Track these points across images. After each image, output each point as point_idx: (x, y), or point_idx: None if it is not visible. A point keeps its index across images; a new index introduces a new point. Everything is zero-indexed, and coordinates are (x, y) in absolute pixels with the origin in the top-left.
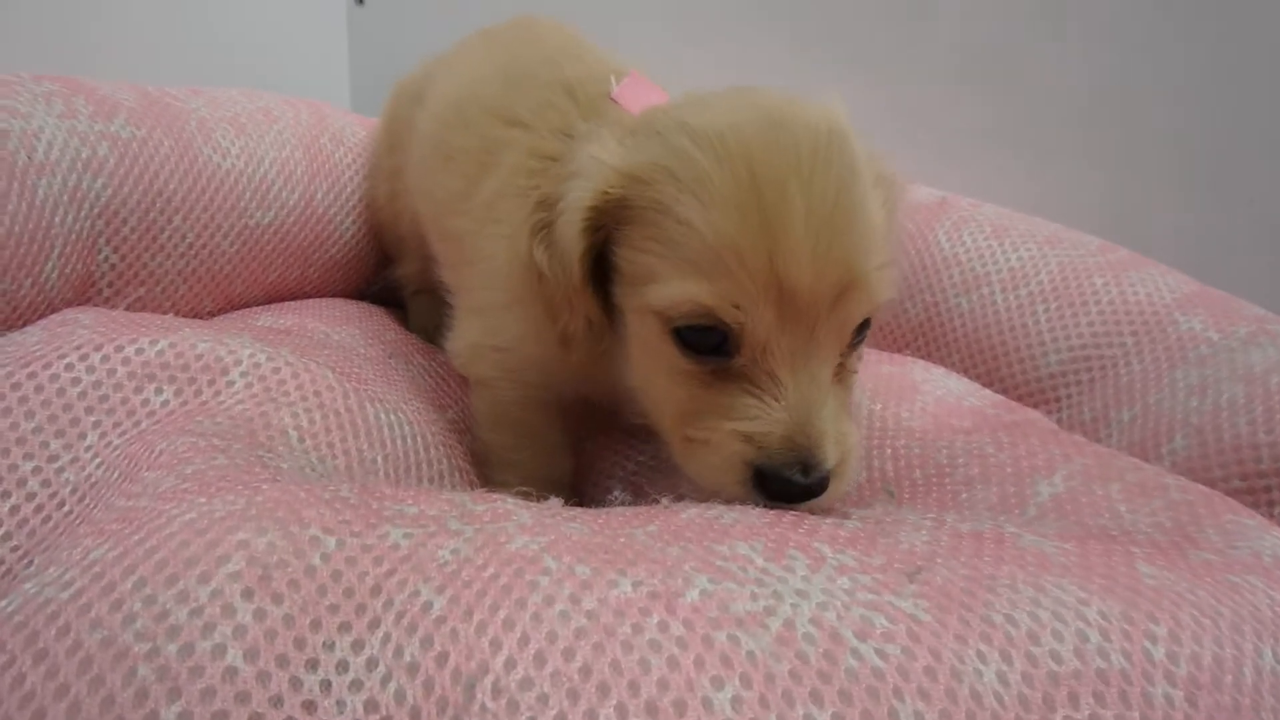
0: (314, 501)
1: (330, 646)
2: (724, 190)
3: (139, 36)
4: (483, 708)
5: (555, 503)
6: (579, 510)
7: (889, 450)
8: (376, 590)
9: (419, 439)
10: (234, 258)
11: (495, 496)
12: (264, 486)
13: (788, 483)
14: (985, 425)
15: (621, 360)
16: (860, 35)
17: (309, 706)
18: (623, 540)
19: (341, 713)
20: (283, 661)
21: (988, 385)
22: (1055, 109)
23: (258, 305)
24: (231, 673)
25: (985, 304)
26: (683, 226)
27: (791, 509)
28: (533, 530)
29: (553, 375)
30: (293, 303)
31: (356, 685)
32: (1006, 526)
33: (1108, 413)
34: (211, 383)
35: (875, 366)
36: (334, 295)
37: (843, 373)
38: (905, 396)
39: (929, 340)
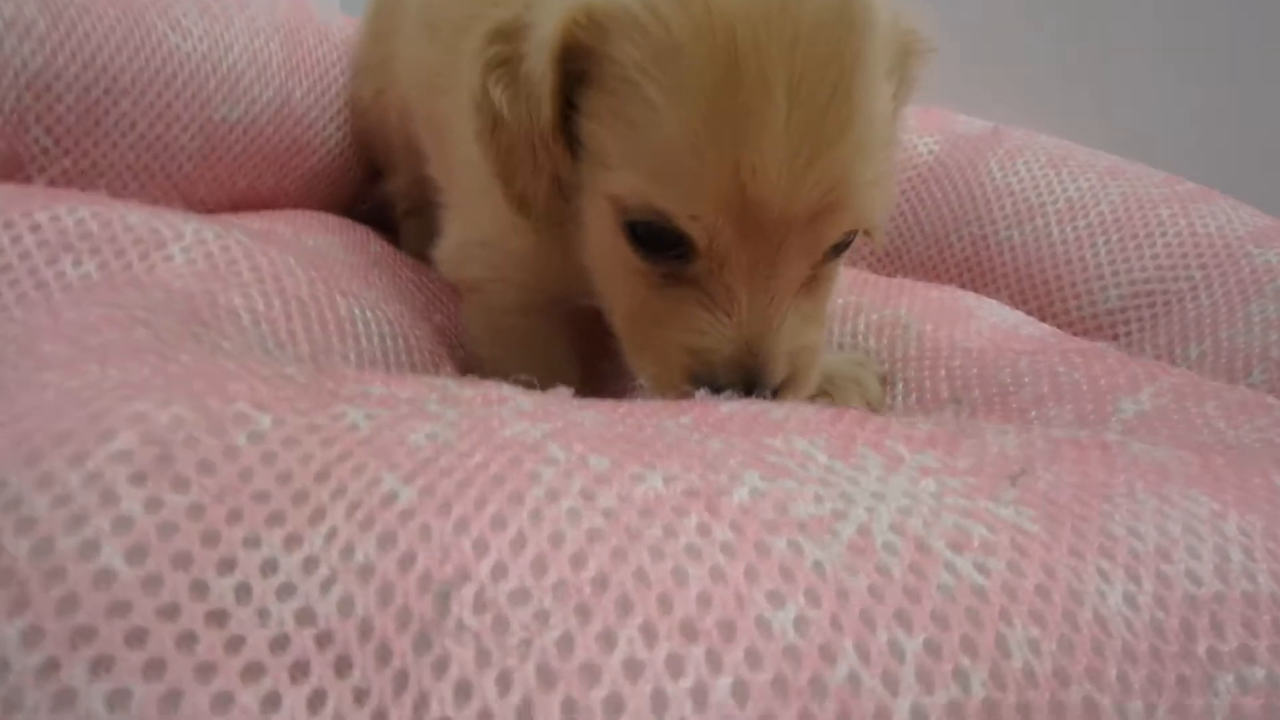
0: (245, 375)
1: (253, 543)
2: (696, 71)
3: None
4: (459, 625)
5: (564, 391)
6: (594, 400)
7: (943, 371)
8: (323, 476)
9: (400, 340)
10: (195, 155)
11: (489, 382)
12: (183, 357)
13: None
14: (1050, 349)
15: (582, 247)
16: None
17: (217, 619)
18: (650, 431)
19: (264, 625)
20: (182, 562)
21: (1041, 321)
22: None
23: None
24: (105, 577)
25: (1040, 236)
26: (645, 107)
27: None
28: (534, 416)
29: (544, 274)
30: (265, 211)
31: (287, 591)
32: (1105, 434)
33: (1173, 349)
34: (144, 256)
35: (922, 291)
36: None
37: (814, 282)
38: (959, 320)
39: (976, 275)
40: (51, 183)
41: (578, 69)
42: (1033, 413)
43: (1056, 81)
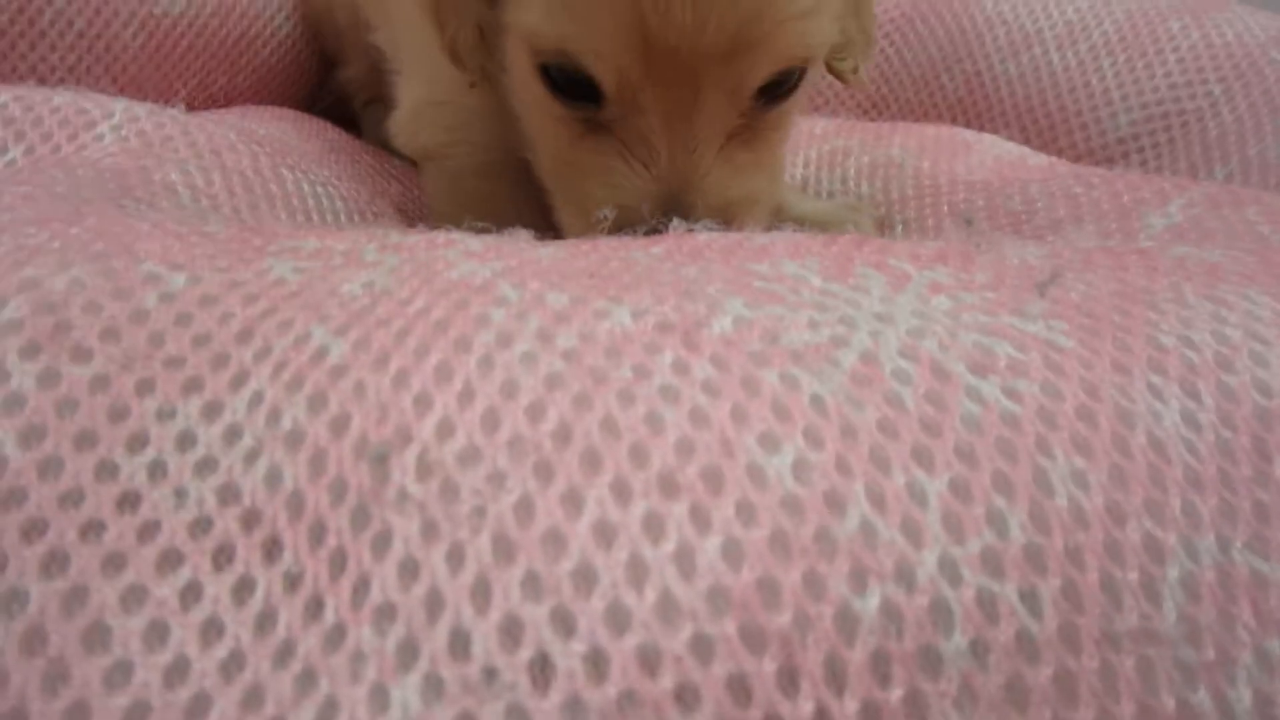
0: (159, 234)
1: (167, 415)
2: None
3: None
4: (402, 494)
5: (522, 233)
6: (557, 242)
7: (945, 207)
8: (245, 336)
9: (354, 216)
10: (139, 54)
11: (437, 230)
12: (89, 220)
13: None
14: (1062, 173)
15: (511, 96)
16: None
17: (127, 502)
18: (616, 264)
19: (181, 506)
20: (85, 441)
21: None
22: None
23: None
24: None
25: (1039, 65)
26: None
27: None
28: (484, 256)
29: (499, 131)
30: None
31: (206, 467)
32: (1140, 241)
33: (1195, 173)
34: (73, 137)
35: (916, 129)
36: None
37: (753, 132)
38: (958, 154)
39: (972, 114)
40: None
41: None
42: (1050, 237)
43: None
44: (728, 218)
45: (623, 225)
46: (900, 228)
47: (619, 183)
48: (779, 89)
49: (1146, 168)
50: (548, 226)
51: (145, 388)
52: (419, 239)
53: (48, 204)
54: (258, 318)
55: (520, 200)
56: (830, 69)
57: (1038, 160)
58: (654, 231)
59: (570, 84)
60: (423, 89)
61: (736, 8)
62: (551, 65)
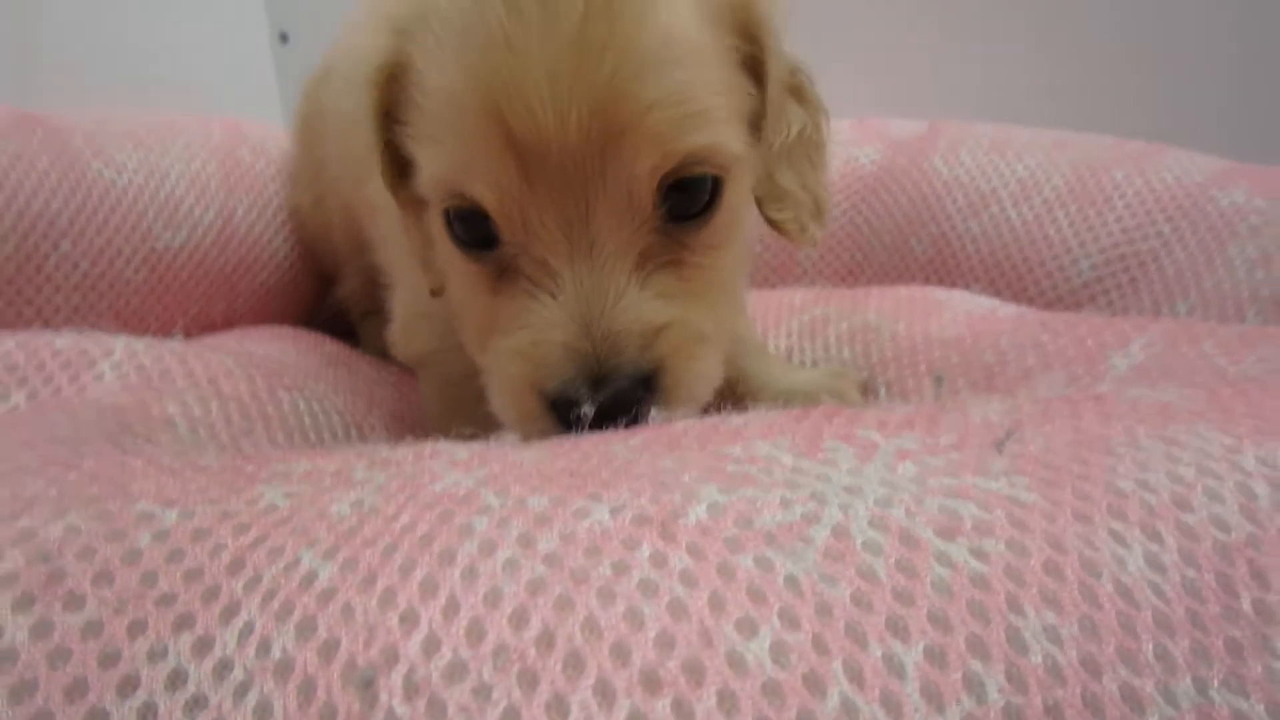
0: (153, 472)
1: (158, 655)
2: (451, 22)
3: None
4: (389, 716)
5: (509, 437)
6: (540, 443)
7: (923, 366)
8: (236, 566)
9: (351, 430)
10: (141, 288)
11: (426, 442)
12: (86, 463)
13: (577, 405)
14: (1030, 322)
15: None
16: None
17: None
18: (595, 459)
19: None
20: (76, 691)
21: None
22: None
23: None
24: None
25: (998, 222)
26: (421, 85)
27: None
28: (469, 465)
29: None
30: (216, 334)
31: (197, 705)
32: (1097, 387)
33: (1159, 309)
34: (74, 378)
35: (890, 293)
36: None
37: (681, 260)
38: (931, 313)
39: (943, 273)
40: None
41: (394, 102)
42: (1023, 388)
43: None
44: (665, 346)
45: (543, 372)
46: (883, 390)
47: (528, 321)
48: (690, 205)
49: (1114, 308)
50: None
51: (137, 629)
52: (408, 452)
53: (46, 449)
54: (248, 547)
55: None
56: (769, 218)
57: (1008, 311)
58: (604, 414)
59: (471, 231)
60: (411, 301)
61: (594, 97)
62: (453, 211)
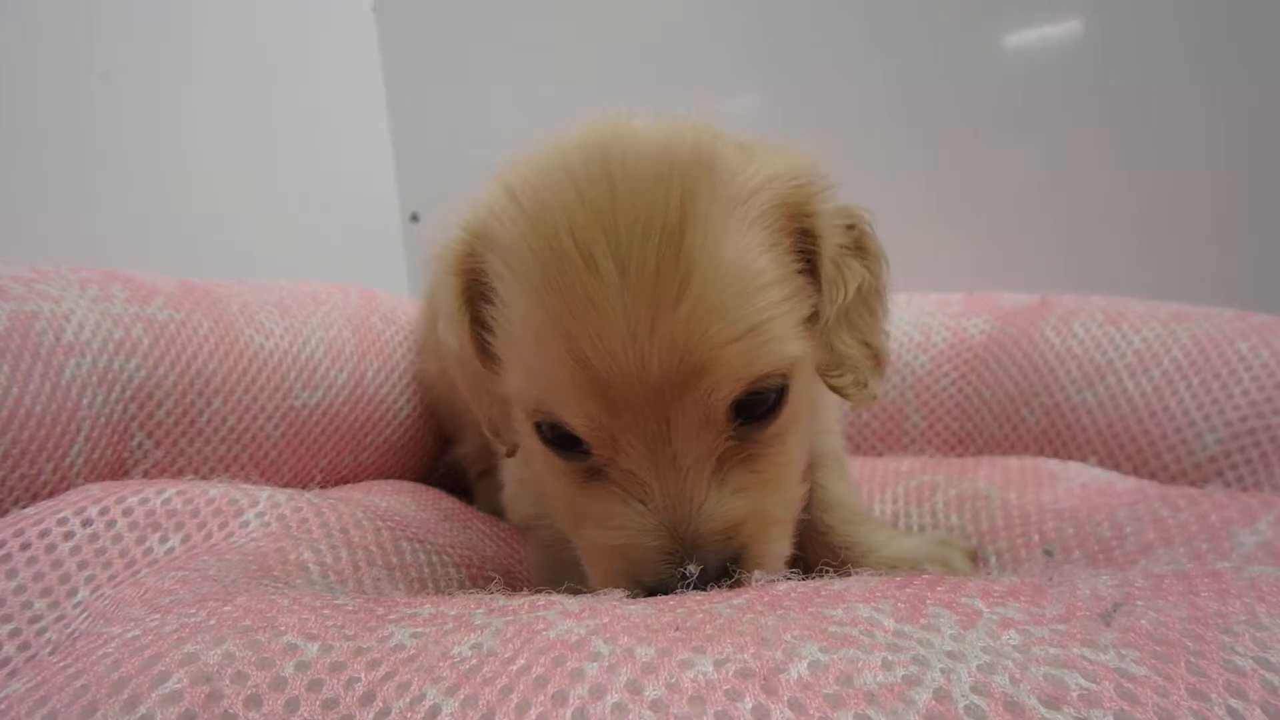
0: (297, 609)
1: None
2: (536, 262)
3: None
4: None
5: (616, 593)
6: (646, 599)
7: (1035, 536)
8: (368, 699)
9: (465, 581)
10: (279, 441)
11: (538, 592)
12: (240, 599)
13: (676, 584)
14: (1150, 496)
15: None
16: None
17: None
18: (700, 616)
19: None
20: None
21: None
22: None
23: None
24: None
25: (1115, 393)
26: (506, 307)
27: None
28: (579, 615)
29: None
30: (343, 485)
31: None
32: (1217, 564)
33: None
34: (223, 525)
35: (1000, 462)
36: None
37: (749, 455)
38: (1043, 484)
39: (1058, 444)
40: (145, 475)
41: (478, 291)
42: (1142, 562)
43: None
44: (743, 538)
45: (639, 569)
46: (993, 559)
47: (623, 524)
48: (759, 408)
49: (1242, 483)
50: None
51: None
52: (522, 601)
53: (202, 585)
54: (379, 681)
55: None
56: (829, 385)
57: (1126, 485)
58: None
59: (561, 436)
60: (515, 469)
61: (672, 345)
62: (542, 422)
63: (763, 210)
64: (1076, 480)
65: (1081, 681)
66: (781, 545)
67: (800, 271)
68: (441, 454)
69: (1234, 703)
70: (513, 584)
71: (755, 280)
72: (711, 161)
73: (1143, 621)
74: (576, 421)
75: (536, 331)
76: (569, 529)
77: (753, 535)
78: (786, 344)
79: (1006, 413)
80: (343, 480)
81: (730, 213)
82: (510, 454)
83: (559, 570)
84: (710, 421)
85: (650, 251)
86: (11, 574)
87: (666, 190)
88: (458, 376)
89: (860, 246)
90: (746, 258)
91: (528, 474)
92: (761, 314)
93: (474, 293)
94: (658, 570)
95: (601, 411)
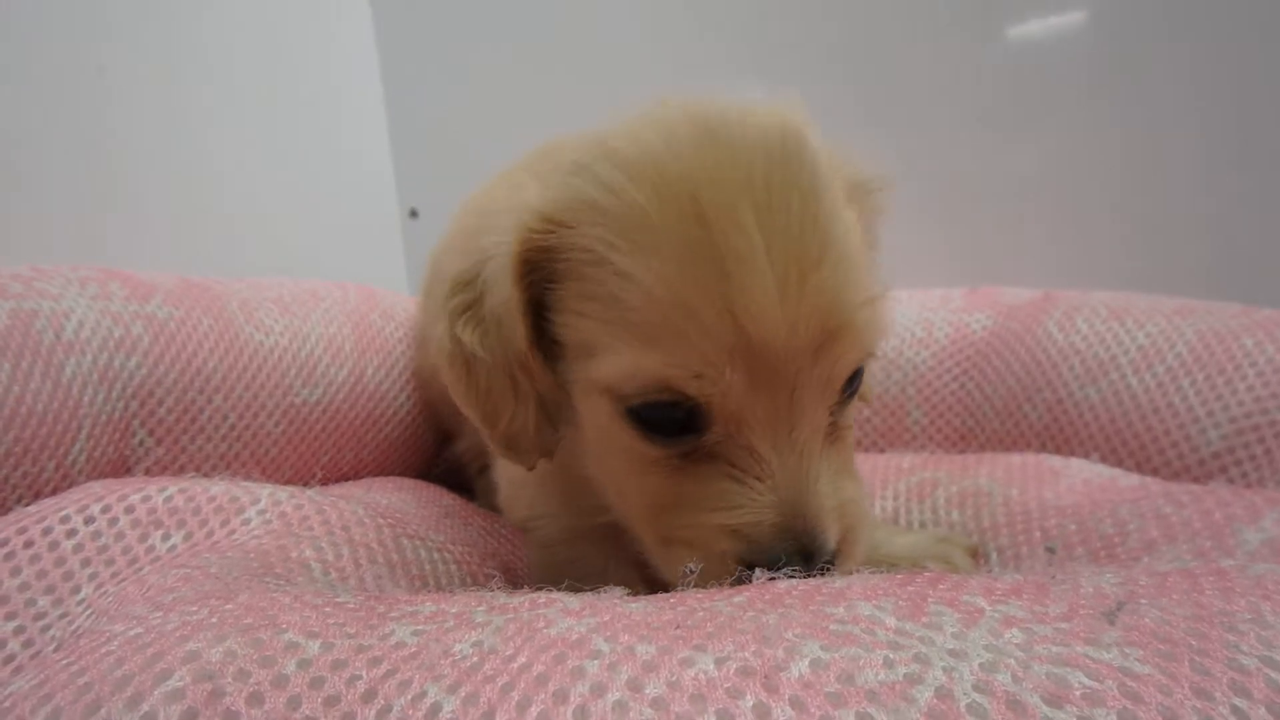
0: (299, 606)
1: None
2: (665, 228)
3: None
4: None
5: (616, 590)
6: (647, 596)
7: (1037, 533)
8: (370, 696)
9: (466, 579)
10: (280, 439)
11: (539, 590)
12: (240, 596)
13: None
14: (1153, 493)
15: (581, 454)
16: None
17: None
18: (701, 614)
19: None
20: None
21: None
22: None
23: None
24: None
25: (1118, 389)
26: (622, 279)
27: None
28: (580, 613)
29: (577, 499)
30: (343, 483)
31: None
32: (1222, 561)
33: None
34: (225, 523)
35: (1002, 459)
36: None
37: (835, 432)
38: (1045, 480)
39: (1060, 440)
40: (147, 472)
41: (541, 275)
42: (1145, 559)
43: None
44: (845, 522)
45: (752, 548)
46: (994, 556)
47: (738, 503)
48: (853, 384)
49: (1246, 480)
50: (638, 578)
51: None
52: (523, 599)
53: (204, 583)
54: (380, 678)
55: (606, 557)
56: None
57: (1129, 481)
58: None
59: (662, 420)
60: (507, 471)
61: (817, 300)
62: (642, 406)
63: (844, 187)
64: (1079, 476)
65: (1085, 680)
66: (868, 535)
67: None
68: (441, 450)
69: (1238, 701)
70: (513, 581)
71: (862, 252)
72: (808, 137)
73: (1146, 620)
74: (708, 391)
75: (676, 299)
76: (644, 521)
77: (850, 524)
78: (886, 317)
79: (1009, 409)
80: (343, 477)
81: (833, 184)
82: (531, 467)
83: (558, 569)
84: (827, 394)
85: (793, 215)
86: (15, 571)
87: (797, 157)
88: (465, 386)
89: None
90: (855, 230)
91: (515, 474)
92: (874, 285)
93: (535, 279)
94: (776, 548)
95: (740, 380)
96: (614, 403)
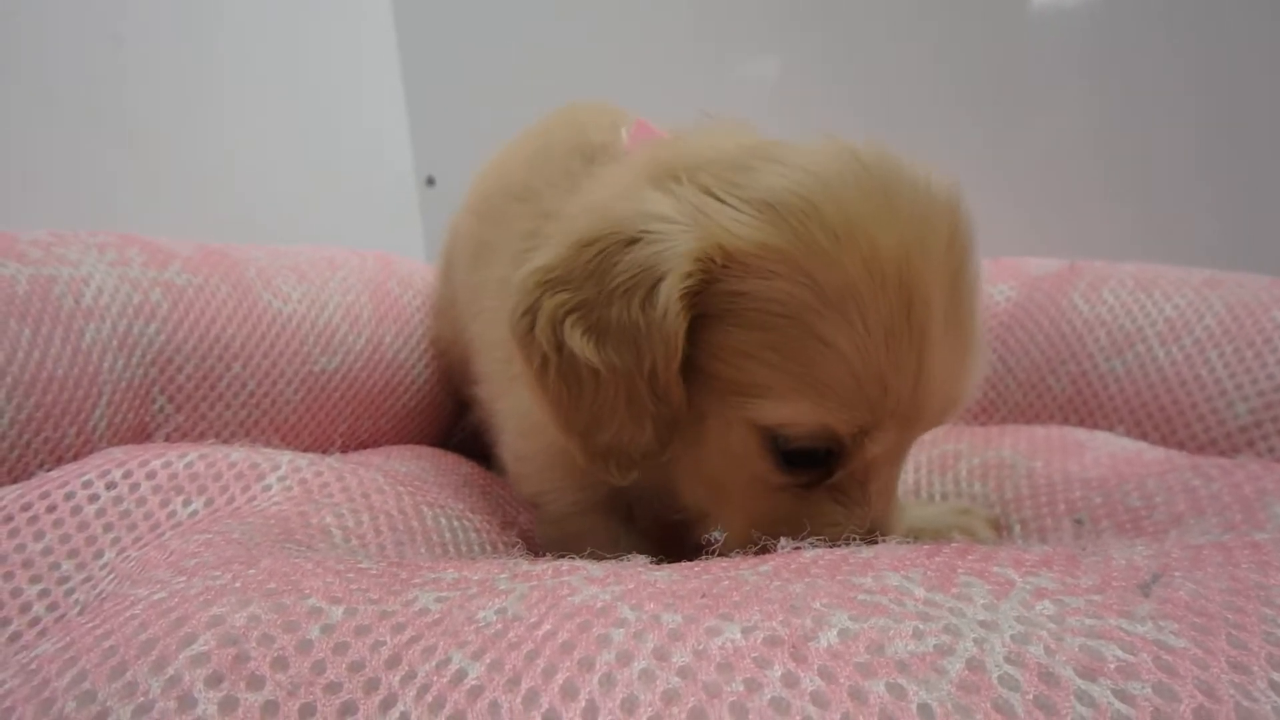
0: (321, 572)
1: None
2: (873, 305)
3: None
4: None
5: (639, 559)
6: (671, 565)
7: (1062, 506)
8: (394, 661)
9: (486, 546)
10: (299, 406)
11: (561, 558)
12: (263, 561)
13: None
14: (1180, 466)
15: (683, 463)
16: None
17: None
18: (726, 583)
19: None
20: None
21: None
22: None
23: None
24: None
25: (1144, 362)
26: (819, 343)
27: None
28: (604, 581)
29: (583, 476)
30: (361, 450)
31: None
32: (1254, 534)
33: None
34: (246, 489)
35: (1025, 431)
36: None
37: None
38: (1070, 453)
39: (1084, 413)
40: (167, 438)
41: (698, 299)
42: (1173, 533)
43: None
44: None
45: None
46: (1017, 528)
47: (836, 520)
48: None
49: (1275, 454)
50: (649, 549)
51: (307, 712)
52: (546, 567)
53: (226, 549)
54: (404, 645)
55: (616, 529)
56: None
57: (1155, 454)
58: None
59: (806, 458)
60: (515, 446)
61: (967, 378)
62: (788, 442)
63: None
64: (1104, 449)
65: (1119, 653)
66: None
67: None
68: (460, 418)
69: (1276, 676)
70: (534, 549)
71: None
72: (967, 211)
73: (1181, 593)
74: (866, 445)
75: (874, 373)
76: (741, 527)
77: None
78: None
79: (1032, 381)
80: (362, 445)
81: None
82: (624, 482)
83: (568, 544)
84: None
85: (964, 305)
86: (39, 535)
87: (969, 235)
88: (559, 392)
89: None
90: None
91: (520, 450)
92: None
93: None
94: None
95: (896, 438)
96: (760, 438)
